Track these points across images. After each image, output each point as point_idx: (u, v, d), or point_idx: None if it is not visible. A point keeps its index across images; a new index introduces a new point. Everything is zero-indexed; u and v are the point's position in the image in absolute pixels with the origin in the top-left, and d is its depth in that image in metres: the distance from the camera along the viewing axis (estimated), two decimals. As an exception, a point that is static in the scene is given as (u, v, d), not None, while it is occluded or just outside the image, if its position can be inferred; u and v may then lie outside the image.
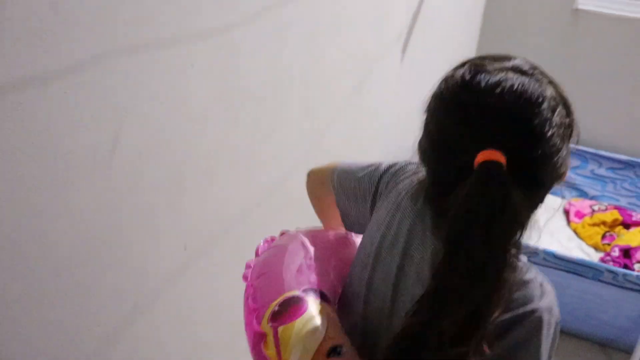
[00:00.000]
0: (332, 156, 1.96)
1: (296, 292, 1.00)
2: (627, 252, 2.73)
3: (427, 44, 2.61)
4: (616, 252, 2.70)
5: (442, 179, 0.88)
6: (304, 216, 1.87)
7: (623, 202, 3.18)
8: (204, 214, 1.43)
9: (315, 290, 1.02)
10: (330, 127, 1.94)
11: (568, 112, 0.87)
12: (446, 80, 0.88)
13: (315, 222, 1.31)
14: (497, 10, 3.39)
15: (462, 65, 0.88)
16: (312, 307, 0.97)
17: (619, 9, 3.11)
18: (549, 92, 0.84)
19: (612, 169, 3.18)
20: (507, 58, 0.88)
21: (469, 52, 3.39)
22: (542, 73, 0.87)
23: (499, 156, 0.78)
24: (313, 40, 1.70)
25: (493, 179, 0.78)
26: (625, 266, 2.65)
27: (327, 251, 1.15)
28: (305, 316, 0.96)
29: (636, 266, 2.62)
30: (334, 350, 0.93)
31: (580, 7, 3.16)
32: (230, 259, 1.57)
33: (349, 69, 1.96)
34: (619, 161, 3.17)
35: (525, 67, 0.86)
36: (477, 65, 0.86)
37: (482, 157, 0.79)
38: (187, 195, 1.35)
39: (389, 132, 2.47)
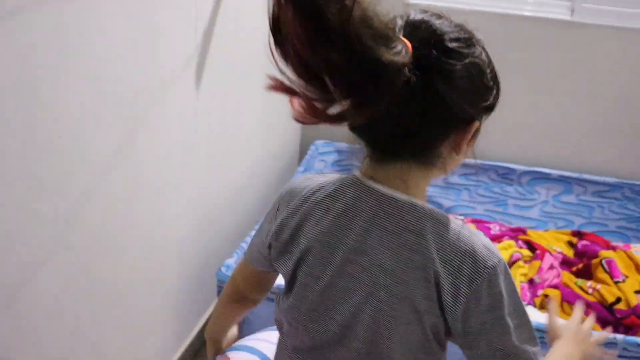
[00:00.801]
0: (89, 244, 1.42)
1: None
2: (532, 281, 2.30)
3: (234, 60, 2.17)
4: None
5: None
6: (57, 325, 1.35)
7: (479, 209, 2.89)
8: None
9: None
10: (89, 203, 1.45)
11: (492, 77, 0.97)
12: None
13: None
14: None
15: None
16: None
17: (449, 0, 2.82)
18: (477, 51, 0.94)
19: (464, 175, 2.87)
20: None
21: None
22: (478, 42, 0.96)
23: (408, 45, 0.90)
24: (37, 94, 1.21)
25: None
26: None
27: None
28: None
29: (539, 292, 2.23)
30: None
31: (411, 1, 2.84)
32: None
33: (109, 120, 1.48)
34: (470, 166, 2.87)
35: (466, 28, 0.96)
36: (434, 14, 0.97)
37: None
38: None
39: (191, 181, 2.01)
